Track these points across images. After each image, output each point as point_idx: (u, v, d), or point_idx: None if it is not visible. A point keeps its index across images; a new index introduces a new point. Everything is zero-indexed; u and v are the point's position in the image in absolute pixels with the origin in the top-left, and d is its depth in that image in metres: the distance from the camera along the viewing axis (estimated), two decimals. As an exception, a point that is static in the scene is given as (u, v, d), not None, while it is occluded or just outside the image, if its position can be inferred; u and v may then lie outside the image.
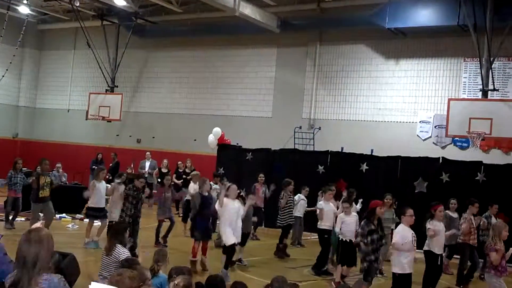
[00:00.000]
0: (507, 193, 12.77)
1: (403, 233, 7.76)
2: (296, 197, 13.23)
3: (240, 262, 10.81)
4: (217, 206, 9.75)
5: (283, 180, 13.01)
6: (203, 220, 10.21)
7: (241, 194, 11.16)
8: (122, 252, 6.45)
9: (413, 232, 7.81)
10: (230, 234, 9.50)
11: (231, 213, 9.58)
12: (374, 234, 8.35)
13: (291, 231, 13.21)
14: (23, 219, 13.90)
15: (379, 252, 8.54)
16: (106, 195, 12.23)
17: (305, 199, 13.43)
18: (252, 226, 13.31)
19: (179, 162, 18.54)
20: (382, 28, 16.78)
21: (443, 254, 9.44)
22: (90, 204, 12.15)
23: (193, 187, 13.32)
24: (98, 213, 11.97)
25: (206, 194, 10.40)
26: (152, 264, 6.14)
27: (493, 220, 10.89)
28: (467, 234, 10.44)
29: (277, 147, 16.80)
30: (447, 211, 10.35)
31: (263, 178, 14.26)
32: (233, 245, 9.52)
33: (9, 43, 22.19)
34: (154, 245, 11.71)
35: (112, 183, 12.50)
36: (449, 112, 14.67)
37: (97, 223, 12.18)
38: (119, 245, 6.54)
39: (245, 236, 10.89)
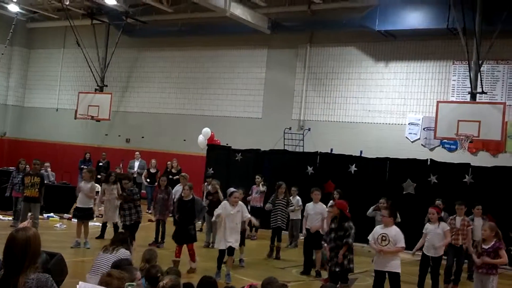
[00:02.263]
0: (494, 195, 12.87)
1: (374, 231, 8.29)
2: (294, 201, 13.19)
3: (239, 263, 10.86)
4: (214, 218, 9.77)
5: (277, 182, 12.97)
6: (181, 224, 10.13)
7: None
8: (127, 253, 6.43)
9: (384, 232, 8.01)
10: (220, 239, 9.54)
11: (225, 219, 9.51)
12: (332, 233, 8.68)
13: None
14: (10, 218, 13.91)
15: (335, 252, 8.61)
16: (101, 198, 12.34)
17: (296, 200, 13.29)
18: (254, 228, 13.34)
19: (168, 162, 18.49)
20: (372, 31, 16.86)
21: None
22: (77, 204, 12.11)
23: (178, 189, 12.96)
24: (83, 213, 11.88)
25: (188, 198, 10.07)
26: (143, 263, 6.12)
27: (476, 221, 10.91)
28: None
29: (267, 148, 16.81)
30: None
31: (259, 179, 14.31)
32: (222, 250, 9.52)
33: (-3, 41, 22.10)
34: (154, 245, 11.75)
35: (103, 184, 12.51)
36: (437, 114, 14.77)
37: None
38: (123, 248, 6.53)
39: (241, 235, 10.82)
